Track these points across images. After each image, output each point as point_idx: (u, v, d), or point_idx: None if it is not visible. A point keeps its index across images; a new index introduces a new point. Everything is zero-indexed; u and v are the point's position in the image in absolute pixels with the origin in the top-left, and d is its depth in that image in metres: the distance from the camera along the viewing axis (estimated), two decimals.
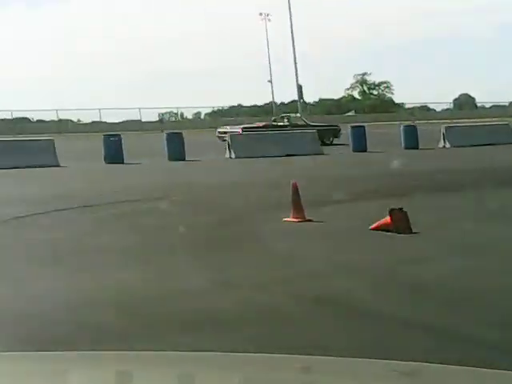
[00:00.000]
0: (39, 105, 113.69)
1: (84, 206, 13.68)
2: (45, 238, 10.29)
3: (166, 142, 26.13)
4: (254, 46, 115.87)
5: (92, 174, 21.73)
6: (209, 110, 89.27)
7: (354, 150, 28.77)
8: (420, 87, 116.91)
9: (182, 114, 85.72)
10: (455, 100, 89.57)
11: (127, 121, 66.55)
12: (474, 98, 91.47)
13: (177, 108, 76.72)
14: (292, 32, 61.92)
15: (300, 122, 36.57)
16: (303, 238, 10.21)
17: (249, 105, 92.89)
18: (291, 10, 61.42)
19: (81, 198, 14.88)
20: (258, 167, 23.07)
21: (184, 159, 25.74)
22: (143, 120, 69.66)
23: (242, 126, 34.62)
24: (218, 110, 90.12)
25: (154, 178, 19.70)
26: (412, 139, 29.55)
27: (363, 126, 30.16)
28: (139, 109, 67.49)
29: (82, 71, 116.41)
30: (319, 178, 17.21)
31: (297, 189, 11.34)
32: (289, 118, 37.17)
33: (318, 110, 76.13)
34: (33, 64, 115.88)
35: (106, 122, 63.15)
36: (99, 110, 62.47)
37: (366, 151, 28.72)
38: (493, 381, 2.15)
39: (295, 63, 61.34)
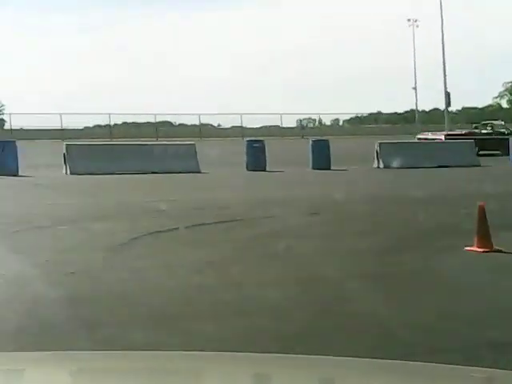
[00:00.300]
0: (181, 109, 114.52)
1: (232, 220, 12.08)
2: (205, 260, 8.69)
3: (310, 149, 24.31)
4: (396, 53, 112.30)
5: (234, 181, 20.22)
6: (347, 117, 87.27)
7: None
8: None
9: (320, 121, 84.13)
10: None
11: (266, 126, 65.36)
12: None
13: (317, 114, 74.20)
14: (443, 39, 58.84)
15: (503, 130, 34.23)
16: (505, 277, 7.99)
17: (388, 112, 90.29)
18: (443, 17, 58.21)
19: (227, 209, 13.33)
20: (412, 178, 20.95)
21: (329, 168, 23.89)
22: (282, 126, 68.43)
23: (444, 133, 33.08)
24: (357, 116, 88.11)
25: (299, 189, 17.99)
26: None
27: None
28: (280, 115, 65.95)
29: (223, 74, 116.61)
30: (491, 195, 14.97)
31: (484, 213, 9.23)
32: (492, 126, 34.95)
33: (461, 119, 72.56)
34: (183, 67, 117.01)
35: (245, 127, 62.19)
36: (241, 115, 61.29)
37: None
38: (493, 381, 2.11)
39: (444, 70, 58.30)
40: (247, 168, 23.60)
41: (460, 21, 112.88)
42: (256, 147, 23.55)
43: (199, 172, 22.71)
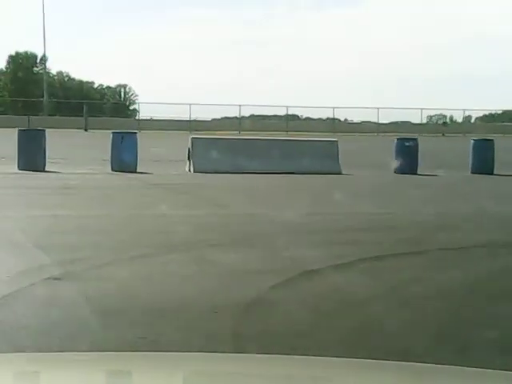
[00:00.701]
0: (311, 102, 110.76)
1: (412, 253, 8.45)
2: None
3: (471, 149, 20.23)
4: None
5: (390, 188, 16.53)
6: (480, 114, 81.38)
7: None
8: None
9: (451, 117, 78.68)
10: None
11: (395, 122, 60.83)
12: None
13: (458, 110, 68.11)
14: None
15: None
16: None
17: None
18: None
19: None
20: None
21: (492, 173, 19.80)
22: (413, 122, 63.63)
23: None
24: (490, 114, 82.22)
25: (467, 201, 14.21)
26: None
27: None
28: (421, 109, 60.81)
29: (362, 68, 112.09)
30: None
31: None
32: None
33: None
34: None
35: (375, 123, 57.93)
36: (378, 109, 56.72)
37: None
38: (493, 381, 2.08)
39: None
40: (395, 170, 19.81)
41: None
42: (408, 146, 19.70)
43: (340, 173, 19.15)
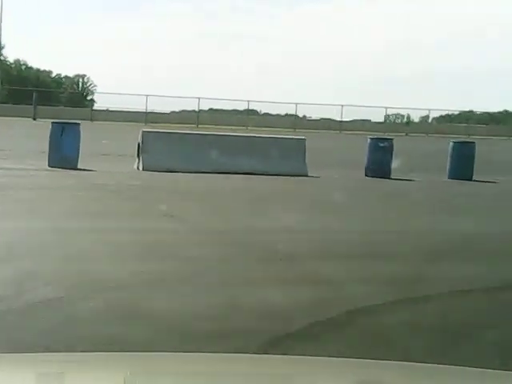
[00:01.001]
0: (272, 97, 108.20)
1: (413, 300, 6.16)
2: None
3: (450, 152, 18.04)
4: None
5: (355, 197, 14.28)
6: (437, 114, 79.78)
7: None
8: None
9: (408, 117, 76.88)
10: None
11: (356, 120, 58.71)
12: None
13: (420, 109, 65.89)
14: None
15: None
16: None
17: (480, 111, 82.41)
18: None
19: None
20: None
21: (471, 178, 17.68)
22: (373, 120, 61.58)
23: None
24: (447, 114, 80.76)
25: (452, 216, 12.09)
26: None
27: None
28: (385, 108, 58.53)
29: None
30: None
31: None
32: None
33: None
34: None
35: (332, 120, 55.76)
36: (342, 106, 54.37)
37: None
38: (493, 381, 2.04)
39: None
40: (366, 173, 17.59)
41: None
42: (382, 147, 17.47)
43: (306, 175, 16.86)
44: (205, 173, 15.60)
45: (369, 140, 17.95)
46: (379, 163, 17.29)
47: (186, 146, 16.73)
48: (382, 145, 17.41)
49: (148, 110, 49.37)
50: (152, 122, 41.35)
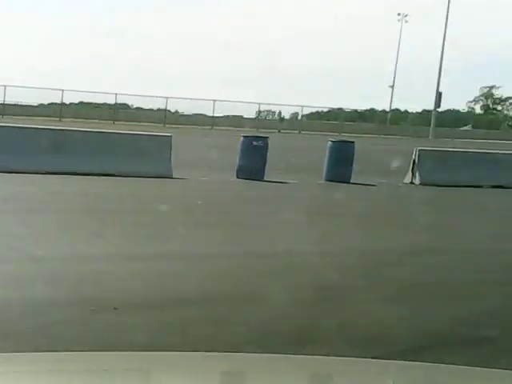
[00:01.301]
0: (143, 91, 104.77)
1: None
2: None
3: (328, 152, 16.42)
4: (376, 49, 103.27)
5: (224, 205, 12.36)
6: (307, 111, 79.34)
7: None
8: None
9: (279, 114, 75.95)
10: None
11: (228, 116, 56.83)
12: None
13: (292, 106, 64.48)
14: (444, 35, 51.13)
15: None
16: None
17: (349, 109, 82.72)
18: (448, 13, 50.55)
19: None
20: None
21: (349, 181, 16.15)
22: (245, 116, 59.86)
23: None
24: (317, 112, 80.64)
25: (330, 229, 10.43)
26: None
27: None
28: (259, 104, 56.86)
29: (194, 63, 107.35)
30: None
31: None
32: None
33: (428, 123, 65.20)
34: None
35: (204, 115, 53.65)
36: (214, 101, 51.90)
37: None
38: (493, 380, 2.02)
39: (440, 69, 50.64)
40: (238, 175, 15.72)
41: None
42: (257, 146, 15.59)
43: (171, 177, 14.80)
44: (55, 173, 13.31)
45: (242, 138, 16.05)
46: (252, 164, 15.45)
47: (31, 142, 14.22)
48: (255, 143, 15.55)
49: (11, 102, 45.59)
50: (10, 115, 38.02)
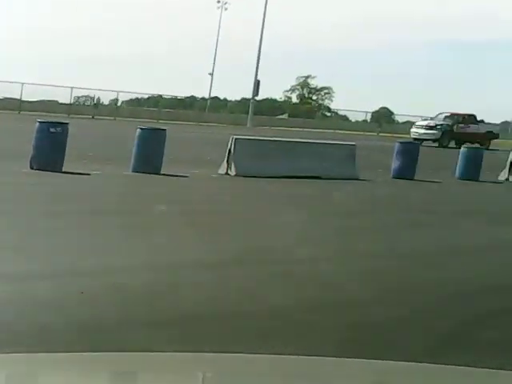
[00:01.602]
0: None
1: None
2: None
3: (136, 141, 14.62)
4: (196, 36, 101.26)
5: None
6: (127, 98, 76.56)
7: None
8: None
9: (98, 99, 72.60)
10: (374, 112, 79.96)
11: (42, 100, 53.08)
12: (392, 112, 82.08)
13: (108, 91, 61.09)
14: (263, 24, 50.38)
15: None
16: None
17: (169, 96, 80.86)
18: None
19: None
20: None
21: (159, 173, 14.44)
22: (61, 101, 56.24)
23: None
24: (136, 98, 78.19)
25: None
26: None
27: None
28: (71, 88, 53.29)
29: None
30: None
31: None
32: None
33: (247, 111, 64.86)
34: None
35: (13, 99, 49.59)
36: (22, 84, 47.98)
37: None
38: (493, 381, 1.99)
39: (258, 57, 49.87)
40: (32, 166, 13.56)
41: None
42: (53, 133, 13.47)
43: None
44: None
45: (37, 124, 13.88)
46: (48, 153, 13.36)
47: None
48: (53, 130, 13.43)
49: None
50: None
